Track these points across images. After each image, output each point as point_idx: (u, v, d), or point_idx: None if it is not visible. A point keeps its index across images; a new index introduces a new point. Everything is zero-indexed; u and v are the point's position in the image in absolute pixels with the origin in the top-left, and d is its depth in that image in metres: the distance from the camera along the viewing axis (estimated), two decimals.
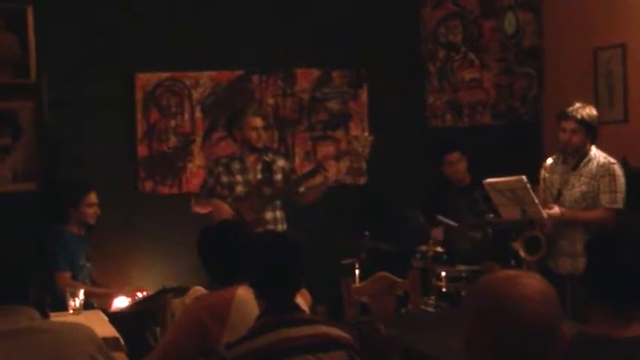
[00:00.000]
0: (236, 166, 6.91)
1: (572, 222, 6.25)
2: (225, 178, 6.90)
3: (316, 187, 6.92)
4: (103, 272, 7.28)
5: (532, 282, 2.19)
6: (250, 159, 6.92)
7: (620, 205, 6.20)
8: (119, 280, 7.35)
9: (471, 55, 8.63)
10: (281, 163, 7.06)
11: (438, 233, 7.57)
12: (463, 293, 6.97)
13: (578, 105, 6.28)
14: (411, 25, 8.45)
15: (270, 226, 6.78)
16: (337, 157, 7.26)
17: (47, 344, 3.25)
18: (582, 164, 6.29)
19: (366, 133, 7.09)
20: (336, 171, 6.91)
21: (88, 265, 7.03)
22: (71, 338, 3.31)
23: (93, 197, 7.01)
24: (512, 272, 2.27)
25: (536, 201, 6.20)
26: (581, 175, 6.28)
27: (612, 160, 6.29)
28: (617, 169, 6.26)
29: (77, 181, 7.20)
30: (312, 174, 6.92)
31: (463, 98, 8.60)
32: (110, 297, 6.93)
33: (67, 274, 6.81)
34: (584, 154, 6.28)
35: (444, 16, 8.55)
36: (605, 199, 6.20)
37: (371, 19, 8.22)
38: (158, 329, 5.86)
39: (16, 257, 3.36)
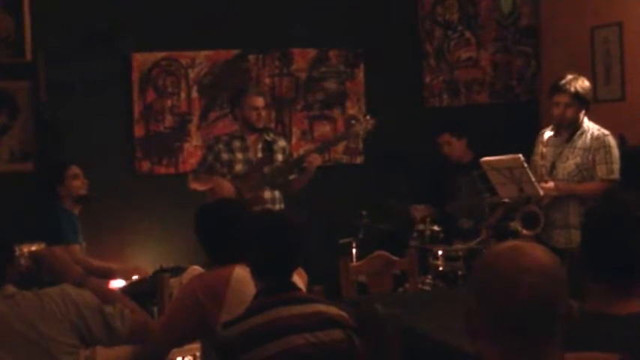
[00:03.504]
0: (237, 144, 6.90)
1: (570, 195, 6.24)
2: (225, 156, 6.88)
3: (301, 177, 6.90)
4: (100, 253, 7.27)
5: (535, 253, 2.14)
6: (251, 138, 6.91)
7: (616, 175, 6.19)
8: (116, 261, 7.34)
9: (468, 34, 8.61)
10: (282, 143, 7.04)
11: (416, 211, 7.62)
12: (460, 272, 6.98)
13: (570, 77, 6.24)
14: (407, 4, 8.43)
15: (269, 205, 6.77)
16: (325, 146, 7.31)
17: (18, 330, 3.22)
18: (576, 136, 6.28)
19: (368, 116, 7.06)
20: (318, 163, 6.87)
21: (84, 244, 7.02)
22: (45, 312, 3.27)
23: (74, 169, 6.99)
24: (516, 244, 2.20)
25: (533, 179, 6.20)
26: (574, 148, 6.27)
27: (605, 131, 6.27)
28: (611, 141, 6.25)
29: (55, 159, 7.20)
30: (298, 163, 6.89)
31: (460, 77, 8.59)
32: (115, 275, 6.89)
33: (77, 247, 6.80)
34: (578, 126, 6.28)
35: None
36: (602, 171, 6.20)
37: None
38: (155, 309, 5.85)
39: None
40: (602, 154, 6.20)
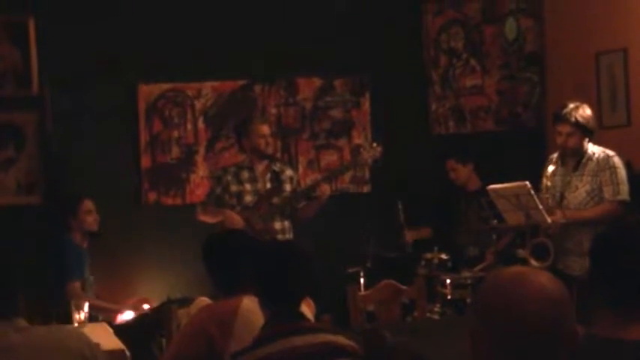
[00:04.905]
0: (245, 175, 6.91)
1: (579, 222, 6.21)
2: (234, 187, 6.89)
3: (312, 204, 6.92)
4: (108, 283, 7.28)
5: (539, 280, 2.15)
6: (259, 168, 6.92)
7: (623, 196, 6.17)
8: (123, 292, 7.35)
9: (473, 62, 8.63)
10: (289, 172, 7.07)
11: (410, 235, 7.65)
12: (468, 300, 6.96)
13: (571, 106, 6.24)
14: (412, 32, 8.45)
15: (279, 236, 6.78)
16: (334, 175, 7.36)
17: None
18: (582, 164, 6.27)
19: (375, 144, 7.08)
20: (329, 193, 6.91)
21: (91, 277, 7.03)
22: (59, 347, 3.27)
23: (88, 204, 7.03)
24: (520, 269, 2.23)
25: (540, 206, 6.19)
26: (583, 175, 6.27)
27: (610, 152, 6.27)
28: (617, 161, 6.24)
29: (71, 191, 7.23)
30: (306, 193, 6.93)
31: (466, 104, 8.60)
32: (117, 312, 6.92)
33: (78, 284, 6.82)
34: (583, 154, 6.27)
35: (446, 22, 8.55)
36: (608, 192, 6.18)
37: (372, 27, 8.22)
38: (163, 340, 5.85)
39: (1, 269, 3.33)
40: (608, 175, 6.19)
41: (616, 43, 7.77)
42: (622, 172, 6.22)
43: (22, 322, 3.30)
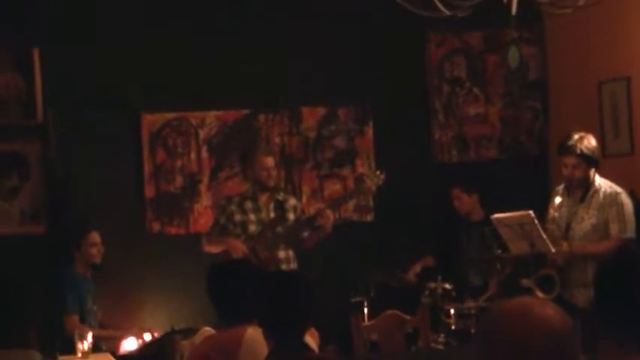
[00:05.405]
0: (249, 205, 6.92)
1: (584, 256, 6.19)
2: (238, 217, 6.89)
3: (316, 233, 6.92)
4: (111, 313, 7.26)
5: (544, 312, 2.15)
6: (263, 198, 6.93)
7: (629, 234, 6.16)
8: (127, 322, 7.33)
9: (476, 90, 8.64)
10: (292, 202, 7.08)
11: (416, 267, 7.65)
12: (473, 330, 6.95)
13: (576, 137, 6.24)
14: (415, 60, 8.46)
15: (284, 265, 6.78)
16: (338, 202, 7.35)
17: None
18: (589, 196, 6.26)
19: (378, 171, 7.10)
20: (332, 220, 6.90)
21: (95, 307, 7.02)
22: None
23: (94, 237, 7.03)
24: (526, 301, 2.22)
25: (544, 235, 6.18)
26: (589, 207, 6.26)
27: (618, 189, 6.27)
28: (624, 198, 6.24)
29: (77, 222, 7.23)
30: (310, 222, 6.94)
31: (469, 133, 8.60)
32: (117, 339, 6.90)
33: (76, 318, 6.81)
34: (589, 185, 6.26)
35: (448, 51, 8.57)
36: (614, 229, 6.18)
37: (375, 56, 8.24)
38: None
39: (13, 299, 3.33)
40: (615, 212, 6.18)
41: (619, 71, 7.78)
42: (629, 210, 6.22)
43: (36, 355, 3.30)
